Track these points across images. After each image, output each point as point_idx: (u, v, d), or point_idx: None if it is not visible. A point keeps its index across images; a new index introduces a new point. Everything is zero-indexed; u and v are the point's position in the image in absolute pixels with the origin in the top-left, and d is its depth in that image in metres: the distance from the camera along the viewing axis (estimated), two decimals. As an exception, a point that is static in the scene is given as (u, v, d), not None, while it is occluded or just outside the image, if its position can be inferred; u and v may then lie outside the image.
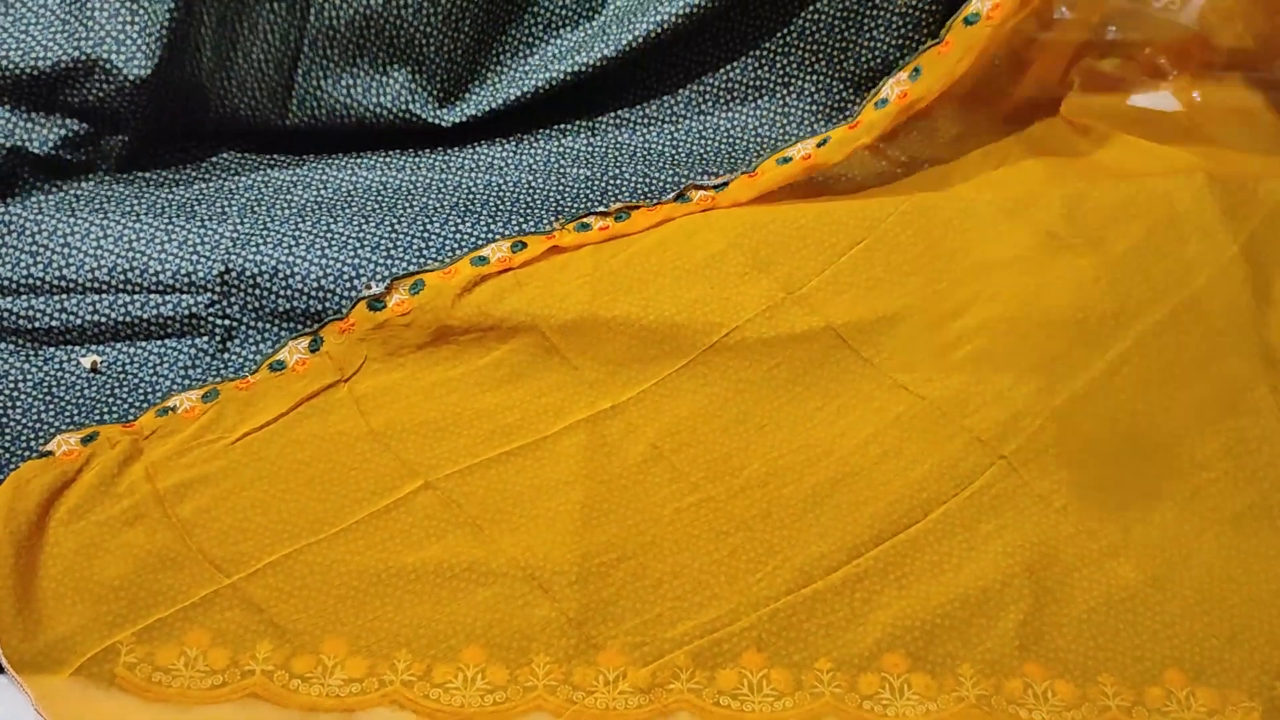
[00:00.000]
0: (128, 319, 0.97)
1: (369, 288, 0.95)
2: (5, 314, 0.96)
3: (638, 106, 1.15)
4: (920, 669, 0.78)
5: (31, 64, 1.01)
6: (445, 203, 1.04)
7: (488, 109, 1.11)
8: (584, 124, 1.14)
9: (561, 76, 1.10)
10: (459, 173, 1.09)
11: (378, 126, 1.11)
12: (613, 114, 1.15)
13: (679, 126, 1.14)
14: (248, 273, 0.97)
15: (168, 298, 0.97)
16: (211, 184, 1.08)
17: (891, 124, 1.00)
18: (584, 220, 0.98)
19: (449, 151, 1.12)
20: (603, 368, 0.92)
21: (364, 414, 0.91)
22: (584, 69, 1.09)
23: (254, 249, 0.98)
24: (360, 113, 1.09)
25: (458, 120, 1.11)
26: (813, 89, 1.14)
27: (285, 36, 1.05)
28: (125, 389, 0.94)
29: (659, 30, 1.07)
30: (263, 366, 0.93)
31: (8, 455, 0.89)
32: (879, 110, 0.99)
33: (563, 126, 1.14)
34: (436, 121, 1.11)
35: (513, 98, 1.10)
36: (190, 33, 1.03)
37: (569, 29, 1.12)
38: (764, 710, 0.77)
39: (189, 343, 0.97)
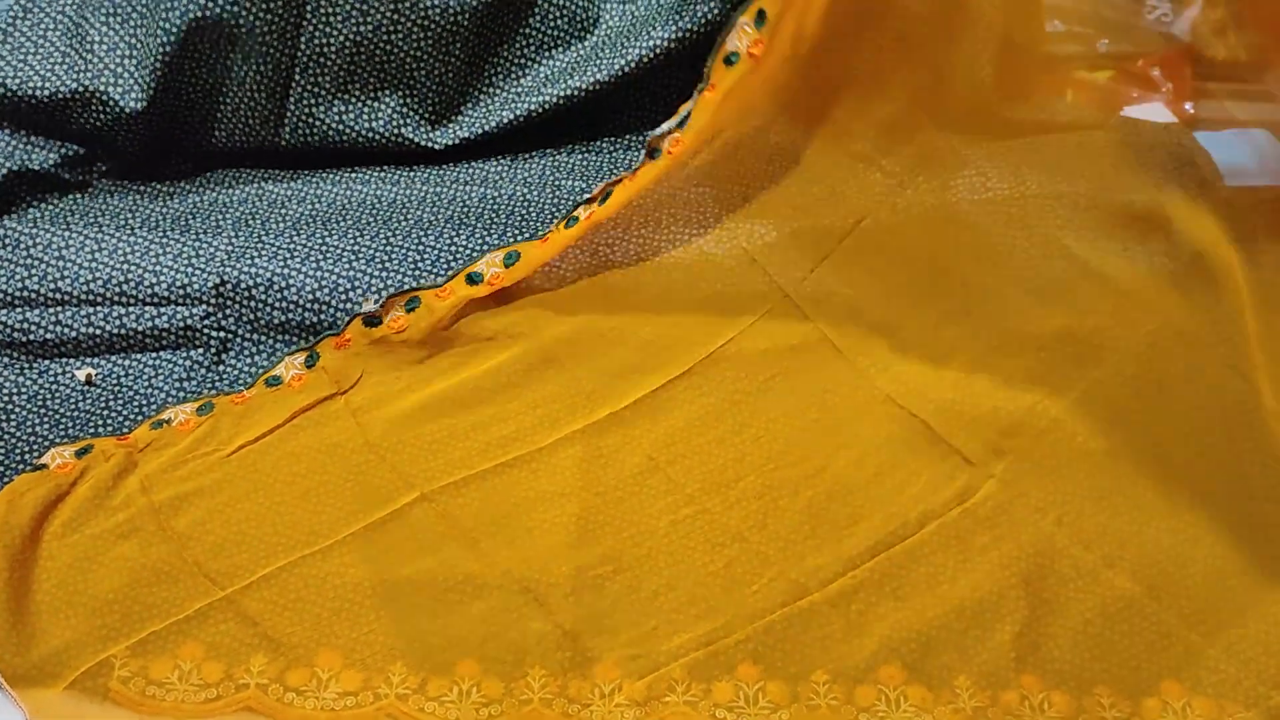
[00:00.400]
0: (122, 331, 0.97)
1: (367, 301, 0.95)
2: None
3: (633, 132, 1.15)
4: (917, 681, 0.78)
5: (29, 92, 1.02)
6: (440, 216, 1.04)
7: (480, 131, 1.11)
8: (579, 146, 1.14)
9: (555, 100, 1.09)
10: (453, 186, 1.09)
11: (371, 149, 1.11)
12: (608, 139, 1.15)
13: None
14: (243, 285, 0.97)
15: (162, 310, 0.97)
16: (206, 197, 1.08)
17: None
18: (573, 215, 0.98)
19: (444, 166, 1.12)
20: (600, 378, 0.92)
21: (360, 426, 0.91)
22: (577, 93, 1.09)
23: (249, 261, 0.98)
24: (353, 137, 1.10)
25: (450, 142, 1.11)
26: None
27: (277, 65, 1.06)
28: (120, 401, 0.94)
29: (652, 55, 1.07)
30: (258, 382, 0.93)
31: (1, 469, 0.89)
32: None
33: (557, 145, 1.14)
34: (429, 144, 1.11)
35: (506, 121, 1.11)
36: (185, 64, 1.04)
37: (561, 50, 1.12)
38: (760, 722, 0.76)
39: (184, 355, 0.97)
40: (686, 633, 0.80)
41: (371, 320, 0.94)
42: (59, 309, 0.97)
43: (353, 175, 1.11)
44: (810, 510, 0.86)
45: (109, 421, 0.93)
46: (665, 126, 0.96)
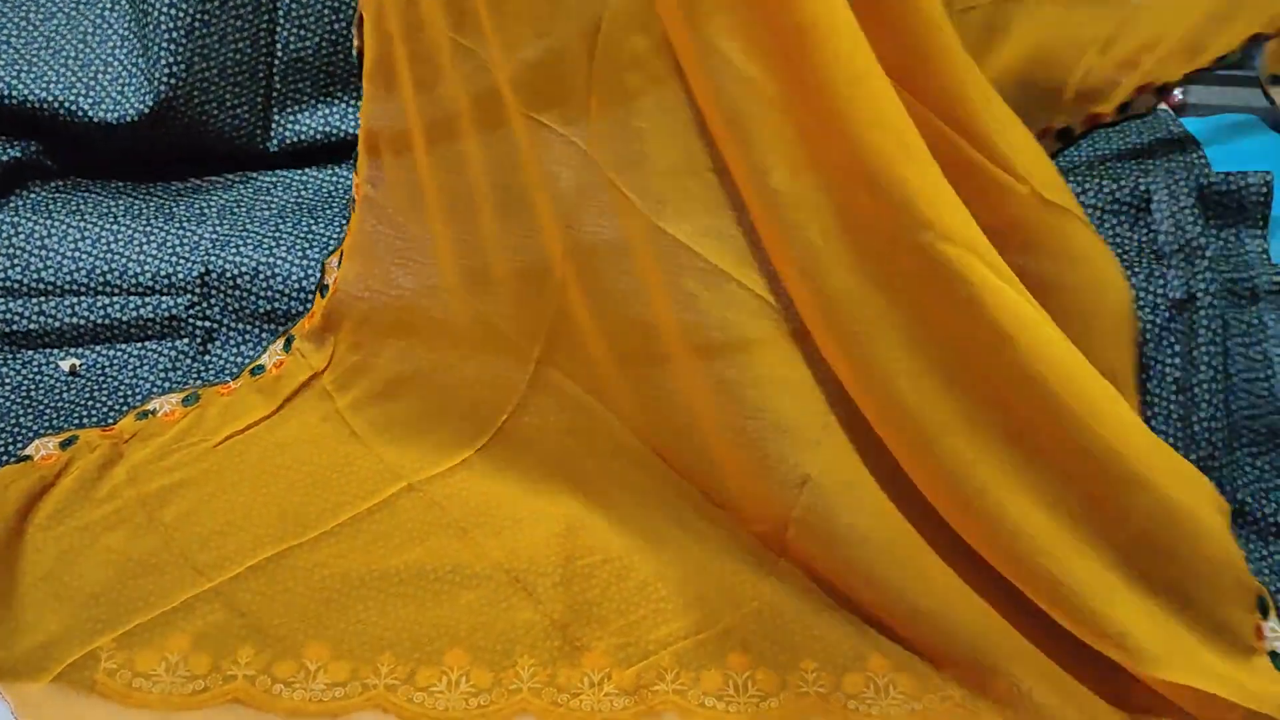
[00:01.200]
0: (107, 321, 0.96)
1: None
2: (-17, 317, 0.96)
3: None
4: (905, 669, 0.78)
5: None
6: (427, 203, 1.04)
7: None
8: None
9: None
10: (441, 173, 1.08)
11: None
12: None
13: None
14: (228, 274, 0.96)
15: (147, 300, 0.96)
16: (190, 185, 1.07)
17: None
18: None
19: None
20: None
21: (345, 417, 0.91)
22: None
23: (234, 250, 0.97)
24: (340, 137, 1.09)
25: None
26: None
27: (254, 74, 1.04)
28: (104, 392, 0.94)
29: None
30: (244, 373, 0.93)
31: (-15, 460, 0.89)
32: None
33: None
34: None
35: None
36: (155, 76, 1.02)
37: None
38: (749, 711, 0.76)
39: (169, 345, 0.97)
40: (675, 621, 0.80)
41: (323, 289, 0.94)
42: (42, 299, 0.96)
43: (337, 162, 1.10)
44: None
45: (94, 412, 0.92)
46: None
